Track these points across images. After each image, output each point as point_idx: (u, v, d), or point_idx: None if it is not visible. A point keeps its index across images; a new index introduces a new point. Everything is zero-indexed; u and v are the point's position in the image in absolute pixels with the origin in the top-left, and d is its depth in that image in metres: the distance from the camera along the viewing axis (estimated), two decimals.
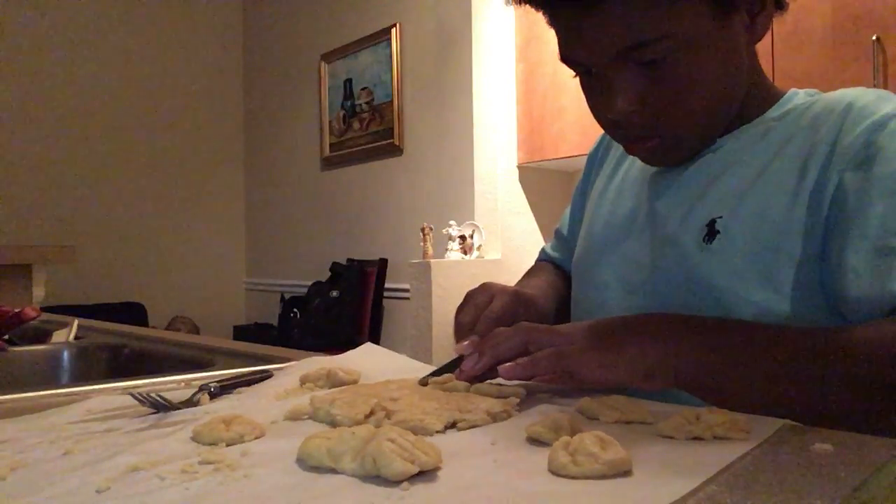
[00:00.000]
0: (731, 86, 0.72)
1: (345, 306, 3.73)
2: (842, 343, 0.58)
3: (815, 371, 0.57)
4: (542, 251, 1.08)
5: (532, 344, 0.61)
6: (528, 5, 0.72)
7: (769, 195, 0.69)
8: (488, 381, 0.63)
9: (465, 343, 0.68)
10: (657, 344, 0.59)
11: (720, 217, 0.71)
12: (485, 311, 0.74)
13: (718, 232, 0.70)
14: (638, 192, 0.84)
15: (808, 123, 0.71)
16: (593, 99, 0.75)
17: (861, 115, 0.67)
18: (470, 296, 0.78)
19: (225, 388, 0.67)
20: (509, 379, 0.59)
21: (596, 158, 0.99)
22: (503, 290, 0.78)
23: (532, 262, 1.08)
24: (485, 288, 0.79)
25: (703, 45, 0.67)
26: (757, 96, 0.76)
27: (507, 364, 0.59)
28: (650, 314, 0.66)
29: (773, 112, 0.76)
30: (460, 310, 0.76)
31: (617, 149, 0.95)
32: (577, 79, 0.75)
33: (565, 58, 0.73)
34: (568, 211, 1.04)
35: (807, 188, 0.67)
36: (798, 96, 0.77)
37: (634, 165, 0.87)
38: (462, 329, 0.74)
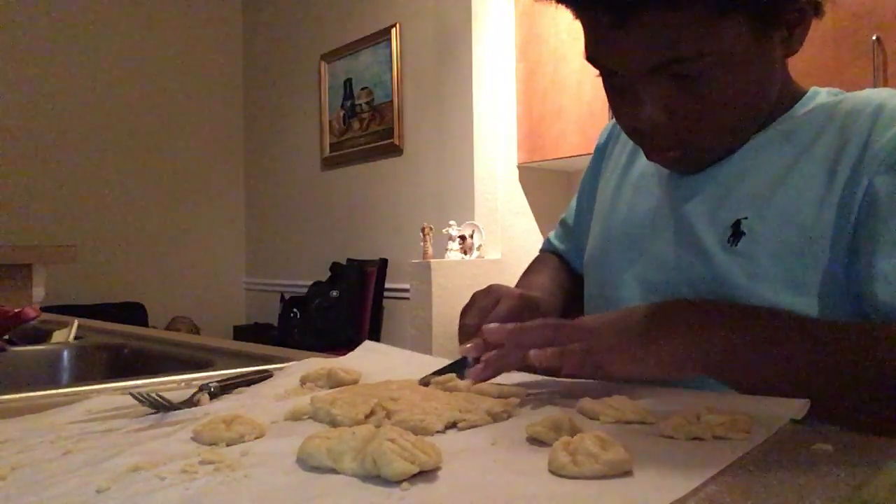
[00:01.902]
0: (762, 100, 0.71)
1: (345, 306, 3.73)
2: (874, 338, 0.58)
3: (846, 363, 0.57)
4: (547, 241, 1.07)
5: (558, 342, 0.60)
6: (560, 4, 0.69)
7: (796, 197, 0.68)
8: (488, 381, 0.63)
9: (470, 345, 0.68)
10: (686, 333, 0.58)
11: (745, 218, 0.69)
12: (490, 314, 0.73)
13: (744, 233, 0.69)
14: (658, 189, 0.82)
15: (835, 125, 0.69)
16: (617, 102, 0.72)
17: (892, 117, 0.65)
18: (475, 298, 0.77)
19: (225, 388, 0.67)
20: (538, 363, 0.58)
21: (605, 150, 0.97)
22: (509, 292, 0.78)
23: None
24: (490, 290, 0.78)
25: (741, 61, 0.65)
26: (781, 96, 0.74)
27: (537, 350, 0.58)
28: (675, 301, 0.65)
29: (797, 110, 0.74)
30: (465, 312, 0.76)
31: (629, 141, 0.91)
32: (600, 79, 0.73)
33: (592, 60, 0.70)
34: (575, 200, 1.02)
35: (836, 192, 0.66)
36: (820, 95, 0.75)
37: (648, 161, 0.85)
38: (467, 331, 0.73)
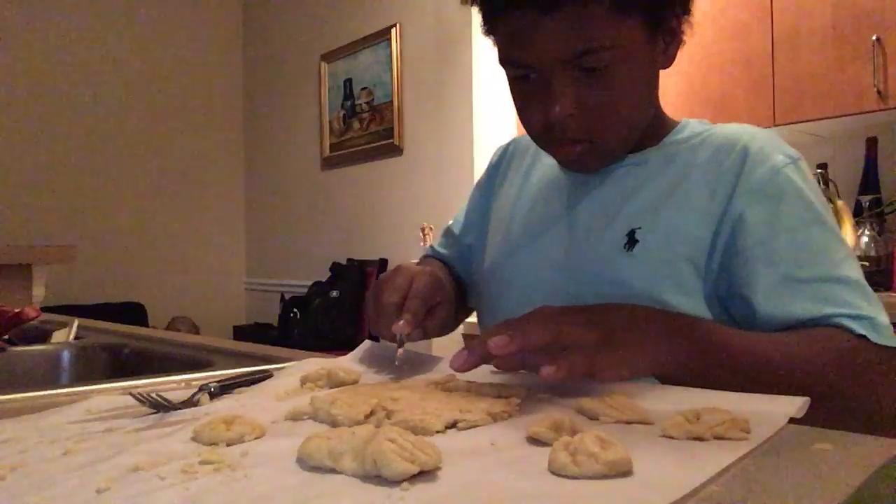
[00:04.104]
0: (650, 100, 0.82)
1: (345, 306, 3.73)
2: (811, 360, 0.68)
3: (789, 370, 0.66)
4: (431, 248, 1.12)
5: (559, 343, 0.59)
6: (477, 6, 0.78)
7: (682, 211, 0.78)
8: (489, 381, 0.63)
9: (402, 322, 0.73)
10: (658, 344, 0.63)
11: (639, 228, 0.79)
12: (408, 291, 0.77)
13: (638, 241, 0.79)
14: (554, 201, 0.90)
15: (710, 152, 0.81)
16: (528, 103, 0.80)
17: (756, 159, 0.78)
18: (388, 280, 0.79)
19: (225, 388, 0.67)
20: (548, 381, 0.58)
21: (500, 168, 1.05)
22: (421, 270, 0.81)
23: None
24: (401, 270, 0.81)
25: (637, 58, 0.75)
26: (657, 123, 0.86)
27: (549, 369, 0.57)
28: (647, 309, 0.68)
29: (673, 137, 0.86)
30: (381, 293, 0.77)
31: (523, 159, 1.00)
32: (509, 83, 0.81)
33: (510, 59, 0.77)
34: (463, 212, 1.09)
35: (714, 210, 0.77)
36: (692, 125, 0.87)
37: (546, 175, 0.94)
38: (389, 310, 0.75)
